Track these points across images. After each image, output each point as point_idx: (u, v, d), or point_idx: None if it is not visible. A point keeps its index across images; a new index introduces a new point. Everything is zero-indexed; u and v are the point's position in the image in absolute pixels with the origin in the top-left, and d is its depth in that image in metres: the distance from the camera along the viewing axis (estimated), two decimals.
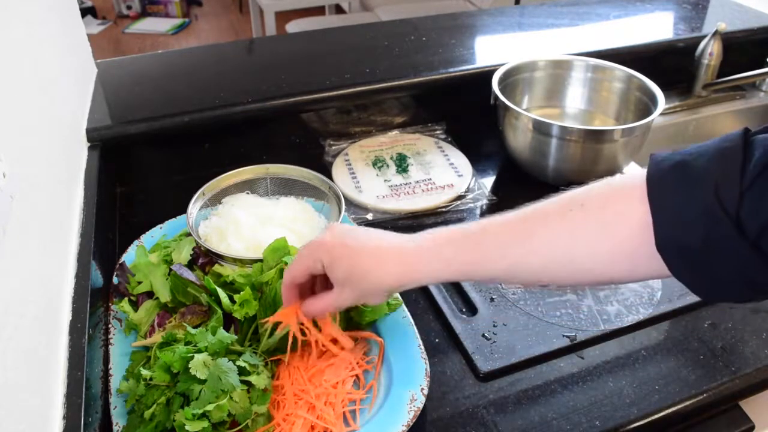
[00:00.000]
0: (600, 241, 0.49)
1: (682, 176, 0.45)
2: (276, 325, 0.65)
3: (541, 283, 0.56)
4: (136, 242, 0.82)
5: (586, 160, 0.96)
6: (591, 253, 0.49)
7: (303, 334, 0.64)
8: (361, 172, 1.04)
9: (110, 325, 0.70)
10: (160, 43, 4.24)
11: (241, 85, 1.09)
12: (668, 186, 0.45)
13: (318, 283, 0.63)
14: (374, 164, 1.06)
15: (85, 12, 4.32)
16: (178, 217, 0.85)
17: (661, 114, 1.02)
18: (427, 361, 0.66)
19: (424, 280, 0.57)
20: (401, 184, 1.01)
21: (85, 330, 0.62)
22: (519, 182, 1.04)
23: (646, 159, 1.10)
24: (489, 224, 0.54)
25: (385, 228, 0.92)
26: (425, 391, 0.63)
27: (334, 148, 1.10)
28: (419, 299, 0.79)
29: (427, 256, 0.55)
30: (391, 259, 0.56)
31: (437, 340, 0.74)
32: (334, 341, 0.66)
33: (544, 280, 0.54)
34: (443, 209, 0.97)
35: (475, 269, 0.54)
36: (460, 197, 0.99)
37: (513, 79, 1.08)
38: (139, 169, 1.05)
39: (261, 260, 0.71)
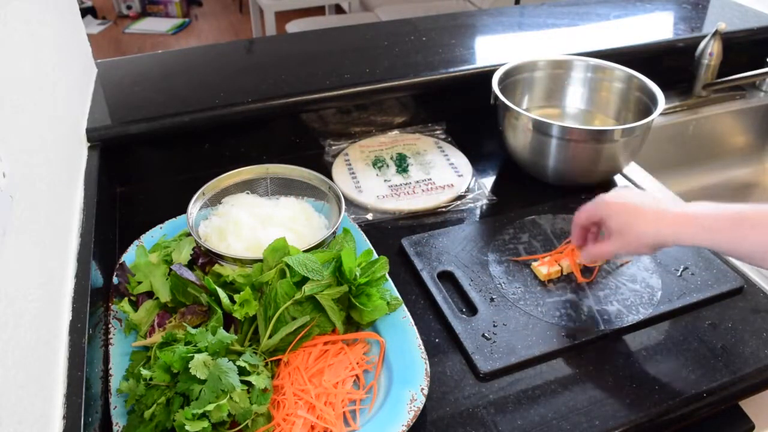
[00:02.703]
0: None
1: None
2: (276, 325, 0.65)
3: None
4: (136, 242, 0.82)
5: (586, 160, 0.96)
6: None
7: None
8: (361, 172, 1.04)
9: (110, 325, 0.70)
10: (160, 43, 4.24)
11: (241, 85, 1.09)
12: None
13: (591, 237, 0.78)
14: (374, 164, 1.06)
15: (85, 12, 4.32)
16: (178, 217, 0.85)
17: (661, 114, 1.02)
18: (427, 361, 0.66)
19: (682, 242, 0.67)
20: (401, 184, 1.01)
21: (85, 330, 0.62)
22: (519, 182, 1.04)
23: (646, 159, 1.10)
24: (748, 206, 0.62)
25: (385, 228, 0.93)
26: (425, 391, 0.63)
27: (334, 148, 1.10)
28: (419, 299, 0.79)
29: (693, 223, 0.65)
30: (659, 220, 0.67)
31: (437, 340, 0.74)
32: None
33: None
34: (443, 209, 0.97)
35: (733, 243, 0.63)
36: (460, 197, 0.99)
37: (513, 79, 1.08)
38: (139, 169, 1.05)
39: (261, 260, 0.71)
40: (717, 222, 0.63)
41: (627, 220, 0.69)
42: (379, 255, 0.74)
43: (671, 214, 0.67)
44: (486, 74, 1.03)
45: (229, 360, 0.61)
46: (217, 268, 0.74)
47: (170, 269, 0.71)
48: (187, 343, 0.62)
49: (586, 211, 0.75)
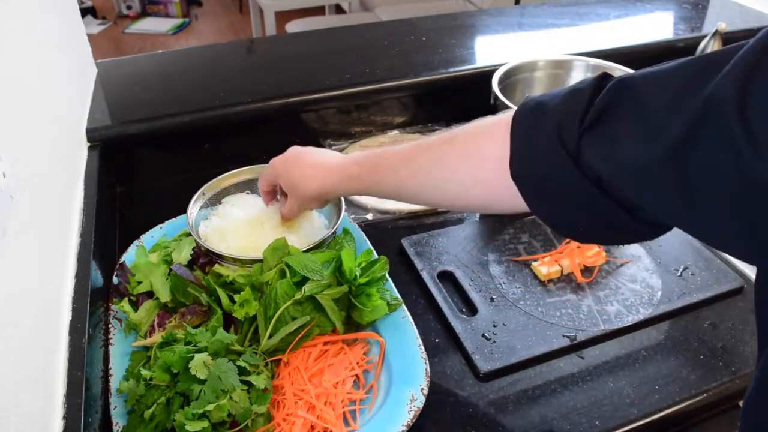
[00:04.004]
0: (463, 171, 0.55)
1: (537, 114, 0.49)
2: (276, 325, 0.65)
3: (423, 203, 0.66)
4: (136, 242, 0.82)
5: None
6: (457, 180, 0.56)
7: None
8: None
9: (110, 325, 0.70)
10: (160, 43, 4.24)
11: (241, 85, 1.09)
12: (525, 123, 0.50)
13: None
14: None
15: (85, 12, 4.32)
16: (178, 217, 0.85)
17: None
18: (427, 361, 0.66)
19: (339, 192, 0.70)
20: None
21: (85, 330, 0.62)
22: None
23: None
24: (388, 151, 0.63)
25: (385, 228, 0.93)
26: (425, 391, 0.63)
27: (334, 148, 1.10)
28: (419, 299, 0.79)
29: (340, 174, 0.67)
30: (316, 174, 0.69)
31: (437, 340, 0.74)
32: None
33: (424, 200, 0.62)
34: (443, 209, 0.97)
35: (374, 187, 0.64)
36: None
37: (513, 79, 1.08)
38: (139, 169, 1.04)
39: (261, 260, 0.71)
40: (361, 169, 0.64)
41: (292, 180, 0.71)
42: (379, 255, 0.74)
43: (327, 167, 0.68)
44: (486, 74, 1.03)
45: (229, 360, 0.61)
46: (217, 268, 0.74)
47: (170, 269, 0.71)
48: (187, 343, 0.62)
49: (263, 177, 0.77)
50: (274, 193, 0.80)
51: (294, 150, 0.73)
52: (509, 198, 0.51)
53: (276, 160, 0.73)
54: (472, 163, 0.54)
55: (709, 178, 0.36)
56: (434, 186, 0.58)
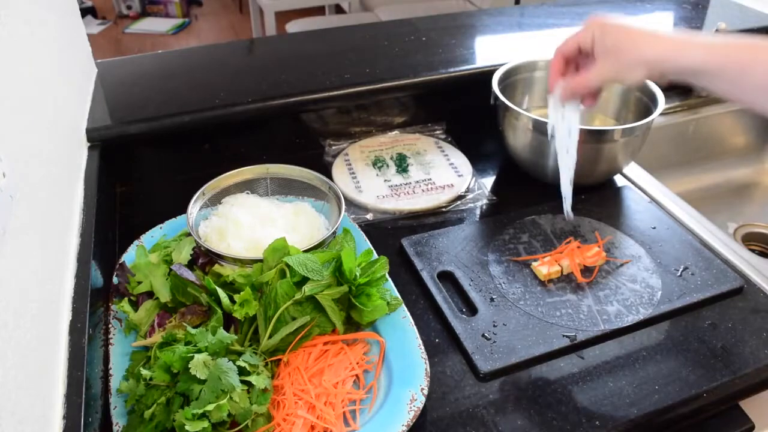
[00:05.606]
0: None
1: None
2: (276, 325, 0.65)
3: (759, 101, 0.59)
4: (136, 242, 0.82)
5: (587, 160, 0.95)
6: None
7: None
8: (361, 172, 1.04)
9: (110, 325, 0.70)
10: (160, 43, 4.24)
11: (241, 85, 1.09)
12: None
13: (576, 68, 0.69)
14: (374, 164, 1.06)
15: (85, 12, 4.32)
16: (178, 217, 0.85)
17: (661, 114, 1.02)
18: (427, 361, 0.66)
19: (691, 63, 0.60)
20: (401, 184, 1.01)
21: (85, 330, 0.62)
22: (519, 182, 1.04)
23: (646, 159, 1.10)
24: (760, 40, 0.58)
25: (385, 228, 0.93)
26: (425, 391, 0.63)
27: (334, 148, 1.10)
28: (419, 299, 0.79)
29: (703, 44, 0.59)
30: (661, 38, 0.61)
31: (437, 340, 0.74)
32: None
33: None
34: (443, 209, 0.97)
35: (737, 74, 0.58)
36: (460, 197, 0.99)
37: (513, 79, 1.08)
38: (139, 169, 1.05)
39: (261, 260, 0.71)
40: (730, 43, 0.58)
41: (626, 38, 0.62)
42: (379, 255, 0.74)
43: (675, 36, 0.61)
44: (486, 74, 1.03)
45: (229, 360, 0.61)
46: (217, 268, 0.74)
47: (170, 269, 0.71)
48: (187, 343, 0.62)
49: (575, 35, 0.67)
50: (568, 66, 0.69)
51: (617, 17, 0.65)
52: None
53: (596, 19, 0.64)
54: None
55: None
56: None
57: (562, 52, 0.68)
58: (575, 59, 0.68)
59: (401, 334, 0.70)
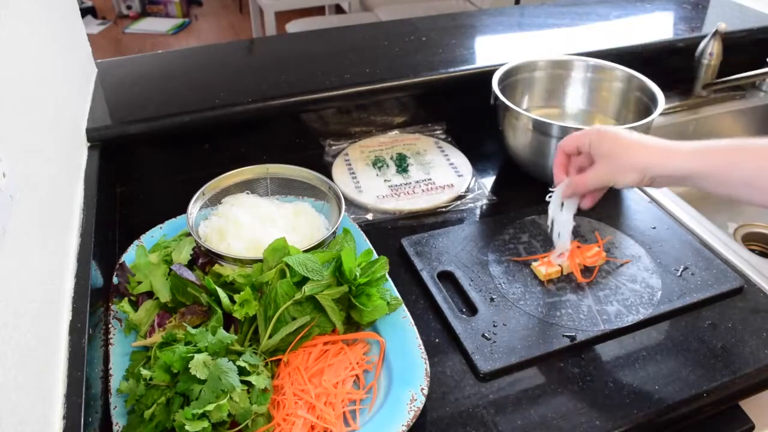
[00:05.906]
0: None
1: None
2: (276, 325, 0.65)
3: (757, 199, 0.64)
4: (136, 242, 0.82)
5: None
6: None
7: None
8: (361, 172, 1.04)
9: (110, 325, 0.70)
10: (160, 43, 4.24)
11: (241, 85, 1.09)
12: None
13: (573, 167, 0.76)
14: (374, 164, 1.06)
15: (85, 12, 4.32)
16: (178, 217, 0.85)
17: (661, 114, 1.02)
18: (427, 361, 0.66)
19: (677, 169, 0.65)
20: (401, 184, 1.01)
21: (85, 330, 0.62)
22: (519, 182, 1.04)
23: None
24: (736, 141, 0.63)
25: (385, 228, 0.93)
26: (425, 391, 0.63)
27: (334, 148, 1.10)
28: (419, 299, 0.79)
29: (686, 151, 0.65)
30: (651, 147, 0.67)
31: (437, 340, 0.74)
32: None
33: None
34: (443, 209, 0.97)
35: (723, 173, 0.62)
36: (460, 197, 0.99)
37: (513, 79, 1.08)
38: (139, 169, 1.05)
39: (261, 260, 0.71)
40: (711, 148, 0.63)
41: (618, 145, 0.68)
42: (379, 255, 0.74)
43: (662, 145, 0.67)
44: (486, 74, 1.03)
45: (229, 360, 0.60)
46: (217, 268, 0.74)
47: (170, 269, 0.71)
48: (187, 343, 0.62)
49: (575, 137, 0.73)
50: (568, 163, 0.75)
51: (610, 126, 0.72)
52: None
53: (592, 128, 0.72)
54: None
55: None
56: None
57: (563, 149, 0.74)
58: (577, 158, 0.75)
59: (401, 334, 0.70)
